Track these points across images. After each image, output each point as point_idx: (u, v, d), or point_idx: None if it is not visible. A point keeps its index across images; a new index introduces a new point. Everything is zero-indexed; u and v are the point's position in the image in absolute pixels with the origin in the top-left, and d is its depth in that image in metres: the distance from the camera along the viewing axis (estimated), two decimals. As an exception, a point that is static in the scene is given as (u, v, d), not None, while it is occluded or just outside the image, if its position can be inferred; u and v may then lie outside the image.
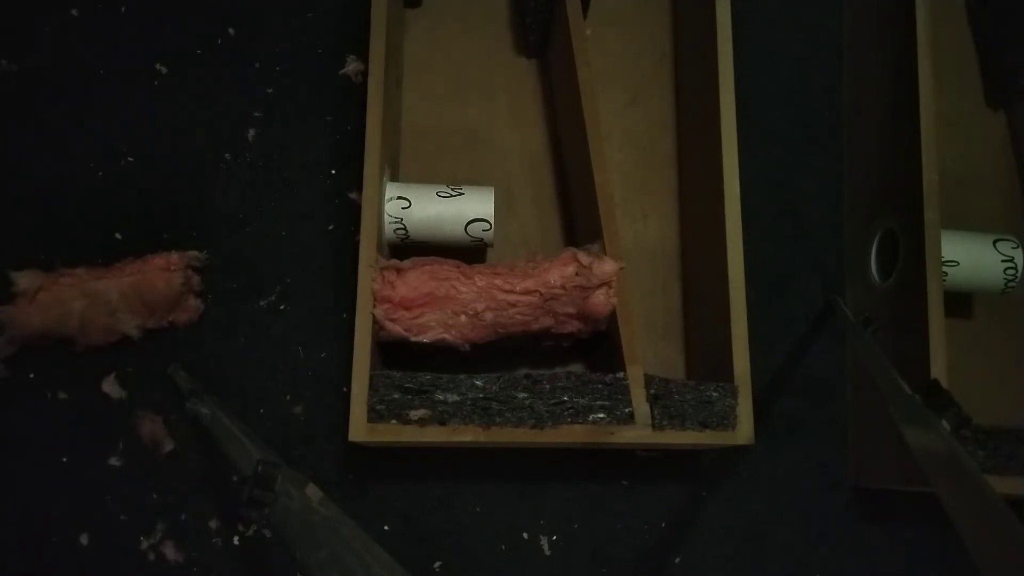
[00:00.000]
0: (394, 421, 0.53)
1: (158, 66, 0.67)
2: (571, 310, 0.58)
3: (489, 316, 0.57)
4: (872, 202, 0.68)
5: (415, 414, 0.52)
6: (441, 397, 0.53)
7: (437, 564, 0.62)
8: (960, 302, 0.70)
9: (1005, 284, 0.64)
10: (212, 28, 0.68)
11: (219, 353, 0.63)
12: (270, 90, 0.68)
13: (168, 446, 0.61)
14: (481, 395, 0.53)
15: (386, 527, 0.62)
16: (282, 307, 0.64)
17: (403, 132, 0.68)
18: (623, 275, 0.57)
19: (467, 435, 0.53)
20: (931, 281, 0.59)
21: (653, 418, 0.54)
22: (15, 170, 0.64)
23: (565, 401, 0.53)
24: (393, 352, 0.60)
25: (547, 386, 0.54)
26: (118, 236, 0.64)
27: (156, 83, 0.67)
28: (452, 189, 0.60)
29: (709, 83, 0.62)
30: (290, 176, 0.67)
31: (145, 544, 0.60)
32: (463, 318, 0.56)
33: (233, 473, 0.61)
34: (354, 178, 0.65)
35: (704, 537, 0.65)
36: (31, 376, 0.61)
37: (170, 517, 0.60)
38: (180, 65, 0.67)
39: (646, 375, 0.55)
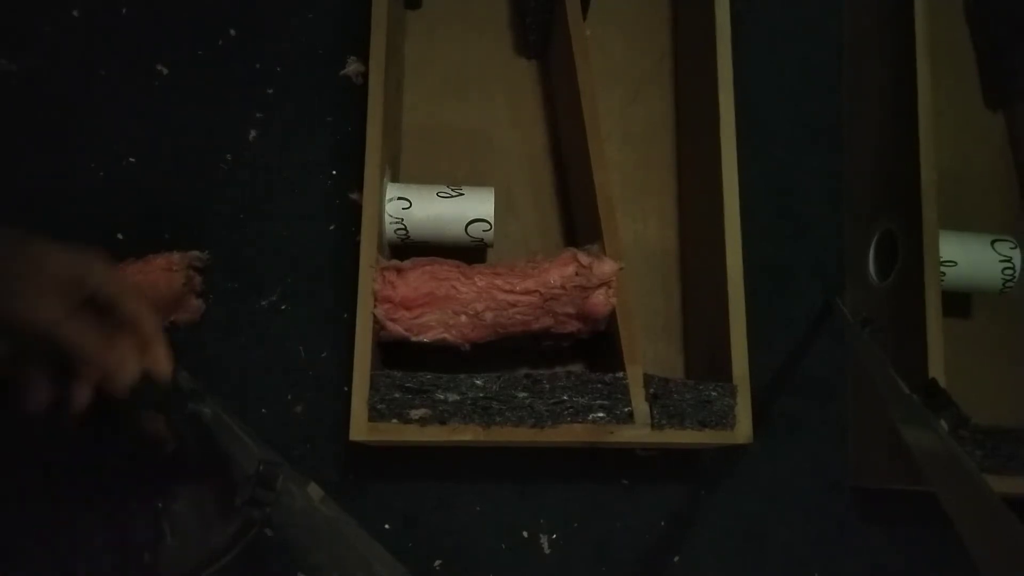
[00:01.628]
0: (395, 420, 0.53)
1: (158, 66, 0.67)
2: (571, 310, 0.58)
3: (489, 316, 0.57)
4: (871, 202, 0.69)
5: (415, 413, 0.53)
6: (441, 396, 0.53)
7: (437, 563, 0.62)
8: (958, 302, 0.70)
9: (1003, 284, 0.64)
10: (212, 28, 0.68)
11: (220, 353, 0.63)
12: (270, 90, 0.68)
13: (168, 446, 0.61)
14: (481, 394, 0.53)
15: (386, 526, 0.62)
16: (283, 307, 0.64)
17: (403, 132, 0.68)
18: (623, 275, 0.57)
19: (467, 435, 0.53)
20: (929, 281, 0.59)
21: (652, 417, 0.54)
22: (15, 170, 0.64)
23: (565, 400, 0.54)
24: (393, 352, 0.60)
25: (547, 386, 0.54)
26: (119, 236, 0.64)
27: (156, 83, 0.67)
28: (452, 189, 0.60)
29: (709, 83, 0.62)
30: (290, 176, 0.67)
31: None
32: (463, 318, 0.57)
33: (234, 473, 0.61)
34: (354, 178, 0.65)
35: (704, 537, 0.65)
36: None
37: (170, 516, 0.60)
38: (180, 65, 0.67)
39: (645, 375, 0.55)
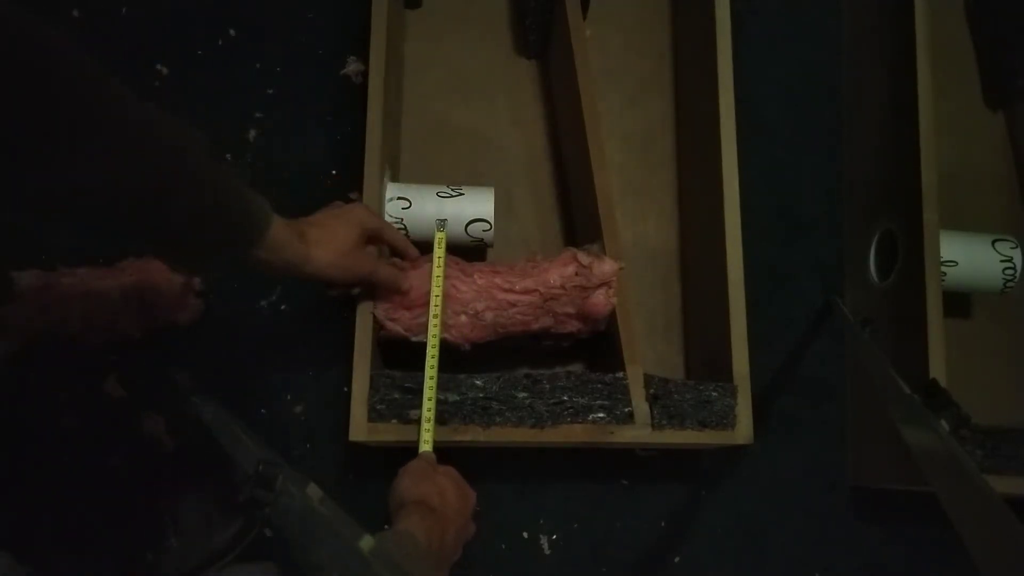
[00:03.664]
0: (394, 420, 0.53)
1: (158, 66, 0.67)
2: (571, 310, 0.58)
3: (489, 316, 0.57)
4: (871, 202, 0.68)
5: (415, 414, 0.53)
6: (441, 397, 0.53)
7: (437, 564, 0.62)
8: (959, 302, 0.70)
9: (1004, 284, 0.64)
10: (213, 29, 0.68)
11: (219, 353, 0.63)
12: (270, 90, 0.68)
13: (168, 446, 0.61)
14: (481, 395, 0.53)
15: (386, 527, 0.62)
16: (282, 307, 0.64)
17: (403, 132, 0.68)
18: (623, 275, 0.57)
19: (467, 435, 0.53)
20: (930, 281, 0.59)
21: (652, 418, 0.54)
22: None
23: (565, 401, 0.54)
24: (393, 352, 0.60)
25: (547, 386, 0.54)
26: (119, 236, 0.64)
27: (156, 83, 0.67)
28: (452, 189, 0.60)
29: (708, 83, 0.62)
30: (290, 176, 0.67)
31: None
32: (463, 318, 0.57)
33: (234, 473, 0.61)
34: (355, 178, 0.65)
35: (704, 537, 0.65)
36: (31, 376, 0.61)
37: (171, 517, 0.60)
38: (181, 65, 0.67)
39: (646, 375, 0.55)
